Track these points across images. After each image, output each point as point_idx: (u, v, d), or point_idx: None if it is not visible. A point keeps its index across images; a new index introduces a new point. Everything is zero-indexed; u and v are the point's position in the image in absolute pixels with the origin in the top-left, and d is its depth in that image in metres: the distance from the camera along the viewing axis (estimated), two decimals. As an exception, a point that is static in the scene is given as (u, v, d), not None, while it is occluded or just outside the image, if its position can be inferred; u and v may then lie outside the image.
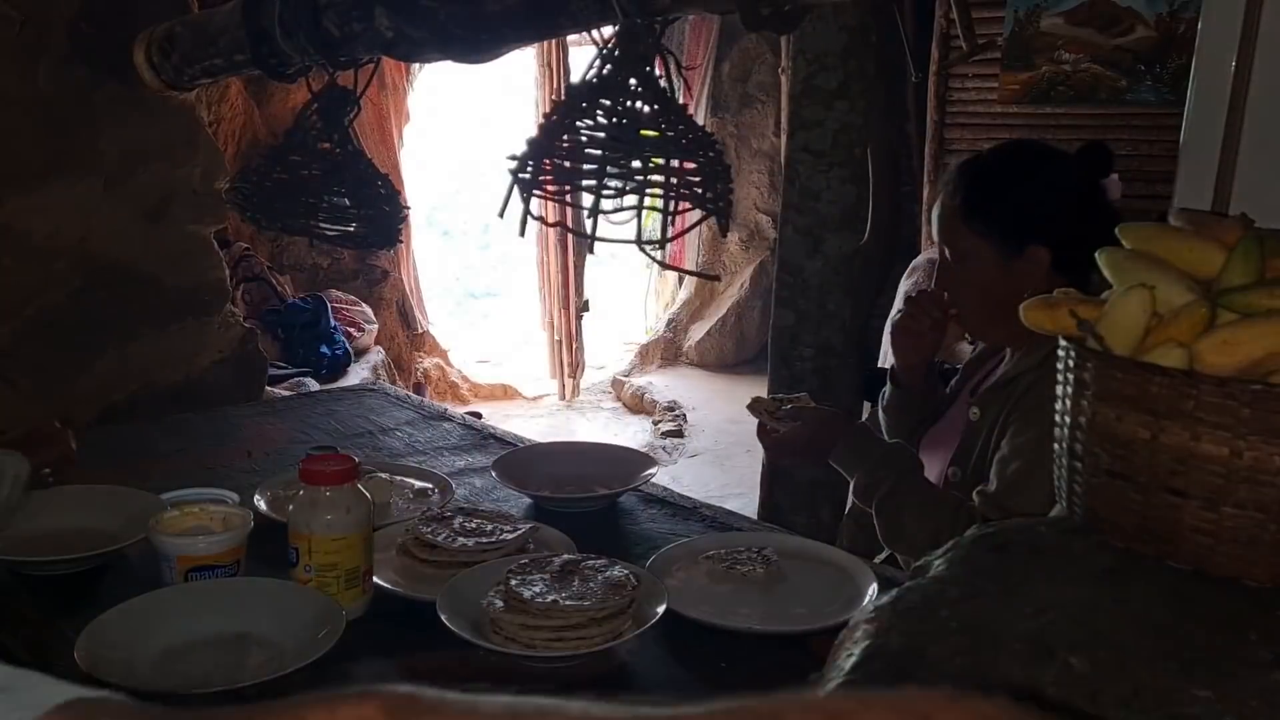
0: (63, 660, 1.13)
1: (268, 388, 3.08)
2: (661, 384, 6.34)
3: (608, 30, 1.75)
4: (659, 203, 1.64)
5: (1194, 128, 1.27)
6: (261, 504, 1.66)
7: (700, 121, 4.33)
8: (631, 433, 5.70)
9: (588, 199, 1.65)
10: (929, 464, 1.69)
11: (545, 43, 5.57)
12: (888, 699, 0.36)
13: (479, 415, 3.40)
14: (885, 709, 0.36)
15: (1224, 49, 1.20)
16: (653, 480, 1.84)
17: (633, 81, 1.68)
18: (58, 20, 2.32)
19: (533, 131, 1.74)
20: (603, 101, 1.68)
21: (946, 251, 1.58)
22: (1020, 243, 1.49)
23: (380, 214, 2.46)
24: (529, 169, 1.68)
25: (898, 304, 4.14)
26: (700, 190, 1.68)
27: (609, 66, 1.70)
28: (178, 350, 2.61)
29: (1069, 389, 0.82)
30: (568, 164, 1.68)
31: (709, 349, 6.78)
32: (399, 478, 1.83)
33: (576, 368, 6.30)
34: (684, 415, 5.81)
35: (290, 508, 1.39)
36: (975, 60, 3.90)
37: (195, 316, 2.64)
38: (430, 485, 1.82)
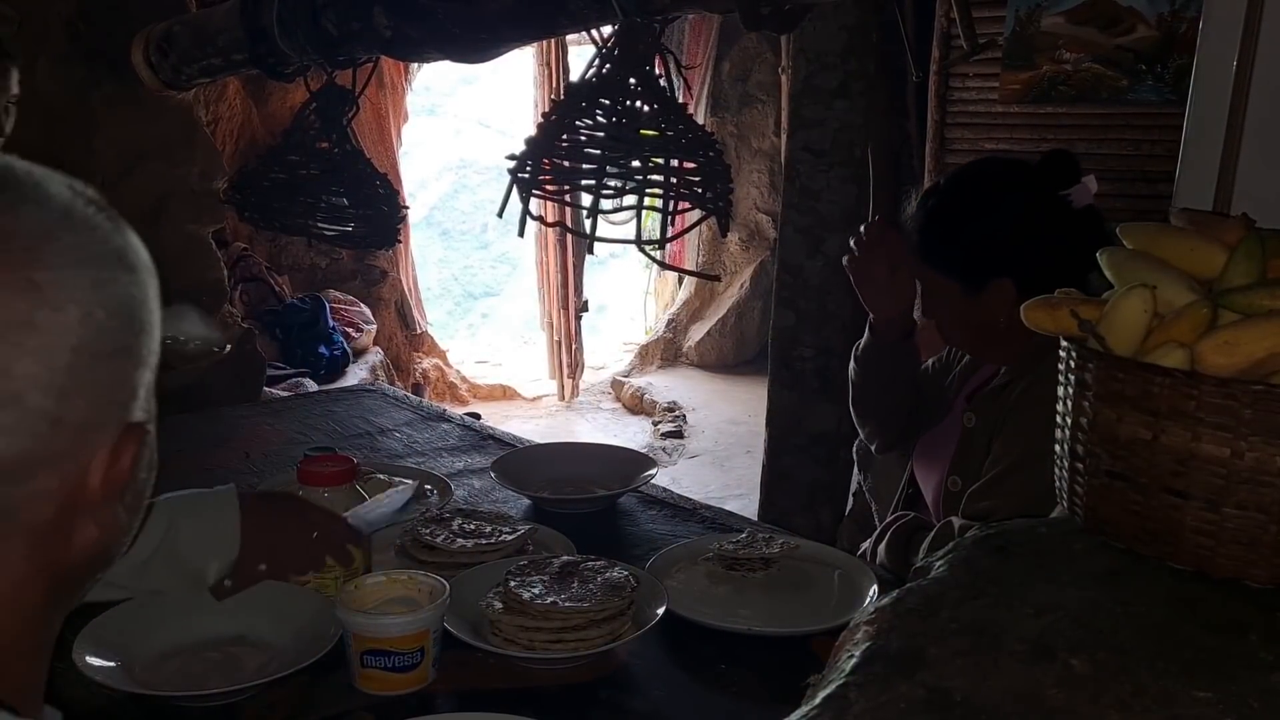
0: (61, 662, 1.13)
1: (266, 388, 3.08)
2: (661, 384, 6.34)
3: (607, 29, 1.74)
4: (659, 203, 1.64)
5: (1195, 127, 1.27)
6: None
7: (700, 121, 4.32)
8: (631, 433, 5.70)
9: (587, 199, 1.65)
10: (925, 473, 1.67)
11: (544, 42, 5.57)
12: None
13: (478, 416, 3.40)
14: None
15: (1225, 48, 1.20)
16: (652, 481, 1.83)
17: (632, 81, 1.68)
18: (55, 20, 2.32)
19: (532, 131, 1.74)
20: (602, 101, 1.68)
21: (921, 284, 1.56)
22: (981, 279, 1.46)
23: (379, 214, 2.46)
24: (528, 168, 1.68)
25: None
26: (700, 190, 1.67)
27: (608, 66, 1.70)
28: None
29: (1070, 390, 0.82)
30: (567, 164, 1.68)
31: (709, 349, 6.78)
32: (398, 478, 1.83)
33: (576, 368, 6.29)
34: (684, 416, 5.81)
35: (288, 508, 1.38)
36: (976, 59, 3.89)
37: (194, 316, 2.64)
38: (429, 486, 1.81)
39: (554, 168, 1.69)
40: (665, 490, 1.89)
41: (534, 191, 1.69)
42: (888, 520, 1.63)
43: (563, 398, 6.29)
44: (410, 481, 1.36)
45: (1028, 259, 1.42)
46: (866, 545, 1.66)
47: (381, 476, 1.79)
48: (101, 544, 0.61)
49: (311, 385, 4.37)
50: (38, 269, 0.53)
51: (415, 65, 5.42)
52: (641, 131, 1.66)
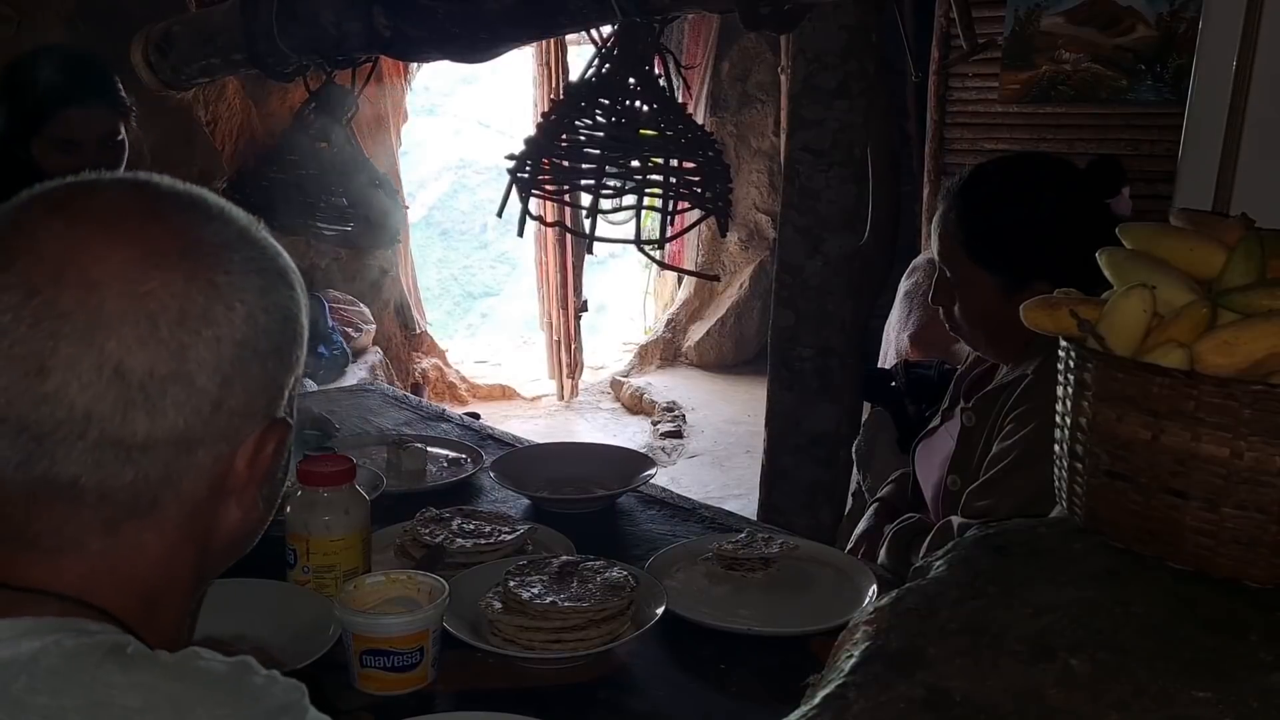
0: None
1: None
2: (660, 384, 6.33)
3: (607, 29, 1.75)
4: (658, 202, 1.64)
5: (1195, 127, 1.27)
6: None
7: (699, 121, 4.32)
8: (630, 433, 5.69)
9: (587, 198, 1.65)
10: (925, 474, 1.67)
11: (544, 41, 5.57)
12: None
13: (477, 416, 3.39)
14: None
15: (1225, 48, 1.20)
16: (652, 481, 1.83)
17: (632, 81, 1.68)
18: (54, 19, 2.32)
19: (531, 131, 1.74)
20: (602, 101, 1.68)
21: (946, 271, 1.53)
22: (1024, 281, 1.44)
23: (378, 213, 2.46)
24: (528, 168, 1.68)
25: (898, 305, 4.14)
26: (699, 190, 1.68)
27: (608, 65, 1.70)
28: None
29: (1070, 390, 0.82)
30: (567, 163, 1.68)
31: (708, 349, 6.78)
32: (433, 449, 1.96)
33: (575, 368, 6.29)
34: (683, 416, 5.81)
35: (288, 509, 1.38)
36: (975, 60, 3.90)
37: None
38: (463, 456, 1.95)
39: (553, 168, 1.69)
40: (664, 490, 1.89)
41: (533, 191, 1.69)
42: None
43: (562, 398, 6.28)
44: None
45: (1073, 265, 1.41)
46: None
47: (418, 445, 1.92)
48: (242, 529, 0.69)
49: (311, 385, 4.36)
50: (218, 272, 0.63)
51: (415, 65, 5.42)
52: (641, 131, 1.66)
